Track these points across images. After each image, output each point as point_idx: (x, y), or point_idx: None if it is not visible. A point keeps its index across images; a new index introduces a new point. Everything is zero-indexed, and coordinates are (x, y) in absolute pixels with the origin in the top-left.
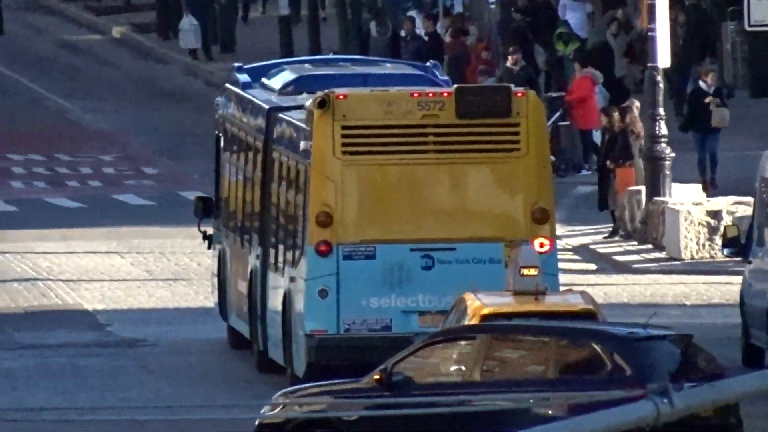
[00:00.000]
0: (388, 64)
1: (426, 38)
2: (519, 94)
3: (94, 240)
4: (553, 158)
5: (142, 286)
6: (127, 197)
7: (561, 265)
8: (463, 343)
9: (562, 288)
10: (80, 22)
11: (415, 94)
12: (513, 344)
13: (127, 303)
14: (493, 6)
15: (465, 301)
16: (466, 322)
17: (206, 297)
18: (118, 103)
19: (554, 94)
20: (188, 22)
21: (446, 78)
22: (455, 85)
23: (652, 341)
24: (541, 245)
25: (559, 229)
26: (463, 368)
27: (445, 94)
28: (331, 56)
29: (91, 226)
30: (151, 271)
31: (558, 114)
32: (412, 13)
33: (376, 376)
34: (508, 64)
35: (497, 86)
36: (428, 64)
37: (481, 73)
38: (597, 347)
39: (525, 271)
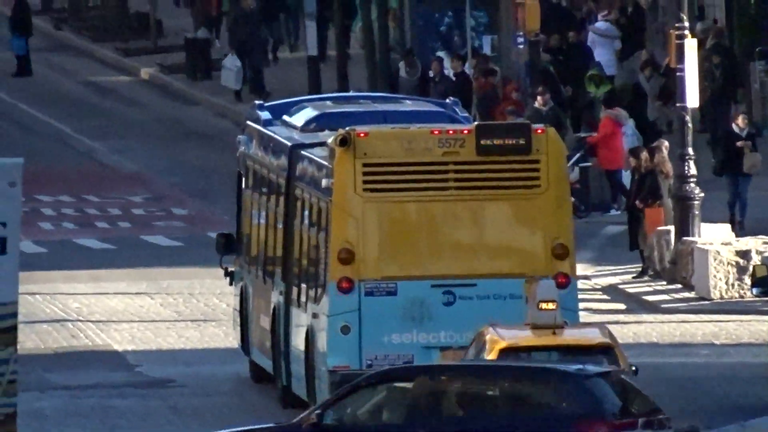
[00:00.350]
0: (407, 101)
1: (454, 78)
2: (539, 131)
3: (123, 281)
4: (573, 199)
5: (171, 327)
6: (157, 238)
7: (591, 305)
8: (402, 384)
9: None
10: (109, 63)
11: (436, 132)
12: (454, 385)
13: (157, 343)
14: (521, 46)
15: (484, 335)
16: (485, 356)
17: (235, 337)
18: (147, 143)
19: (583, 135)
20: (231, 62)
21: (466, 115)
22: (475, 123)
23: (600, 377)
24: (561, 280)
25: (588, 269)
26: (400, 410)
27: (465, 132)
28: (351, 93)
29: (120, 267)
30: (180, 311)
31: (578, 155)
32: (441, 53)
33: (311, 418)
34: (537, 104)
35: (517, 123)
36: (448, 101)
37: (509, 113)
38: (546, 385)
39: (543, 305)
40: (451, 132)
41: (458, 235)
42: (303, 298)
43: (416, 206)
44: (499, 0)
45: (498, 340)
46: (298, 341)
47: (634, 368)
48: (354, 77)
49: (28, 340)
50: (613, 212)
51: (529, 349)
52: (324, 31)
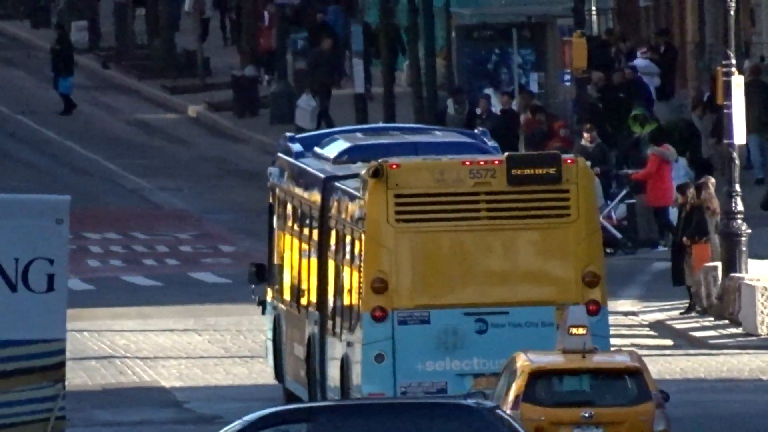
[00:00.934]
0: (438, 132)
1: (501, 115)
2: (568, 161)
3: (170, 318)
4: (620, 235)
5: (219, 364)
6: (204, 275)
7: (638, 341)
8: (296, 426)
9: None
10: (156, 101)
11: (467, 163)
12: (350, 423)
13: (205, 380)
14: (568, 84)
15: (515, 361)
16: (516, 381)
17: (269, 366)
18: (194, 181)
19: (630, 171)
20: (306, 102)
21: (495, 144)
22: (506, 153)
23: (497, 409)
24: (592, 308)
25: (636, 305)
26: None
27: (496, 162)
28: (380, 125)
29: (167, 304)
30: (227, 348)
31: (624, 191)
32: (488, 91)
33: None
34: (583, 141)
35: (547, 154)
36: (476, 131)
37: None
38: (445, 420)
39: (573, 330)
40: (482, 162)
41: (490, 263)
42: (337, 328)
43: (448, 236)
44: (546, 38)
45: (528, 364)
46: (334, 370)
47: (664, 394)
48: (401, 114)
49: (76, 377)
50: (660, 249)
51: (559, 373)
52: (370, 69)
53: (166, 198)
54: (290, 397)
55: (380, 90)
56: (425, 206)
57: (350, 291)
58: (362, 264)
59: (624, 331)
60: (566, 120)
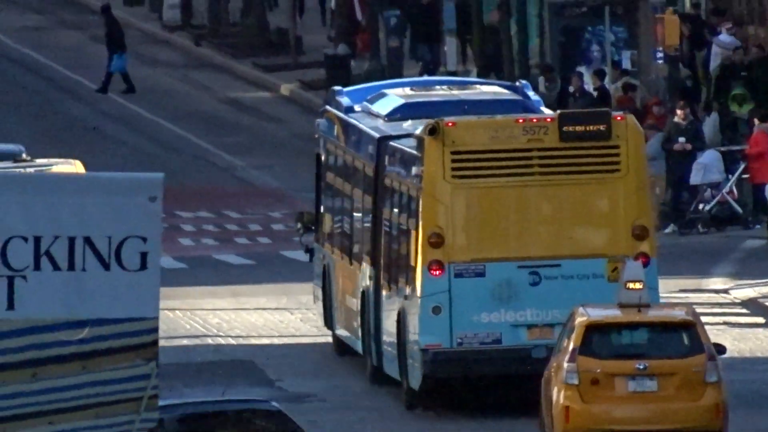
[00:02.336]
0: (483, 87)
1: (594, 93)
2: (618, 118)
3: (263, 296)
4: (740, 210)
5: (311, 342)
6: (296, 254)
7: (729, 318)
8: None
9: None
10: (248, 80)
11: (520, 120)
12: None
13: (298, 358)
14: (661, 62)
15: (574, 315)
16: (573, 335)
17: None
18: (287, 160)
19: (736, 147)
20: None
21: (538, 98)
22: (558, 111)
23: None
24: (642, 261)
25: (728, 283)
26: None
27: (549, 120)
28: (425, 78)
29: (260, 282)
30: (320, 326)
31: (741, 167)
32: (581, 68)
33: None
34: (676, 118)
35: (597, 111)
36: (518, 83)
37: (648, 128)
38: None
39: (630, 285)
40: (535, 120)
41: (542, 218)
42: (394, 282)
43: (502, 191)
44: (638, 15)
45: (585, 318)
46: (390, 322)
47: (719, 347)
48: None
49: (169, 356)
50: (757, 226)
51: (614, 326)
52: (463, 47)
53: (258, 176)
54: (340, 345)
55: (474, 69)
56: (480, 163)
57: (407, 245)
58: (419, 219)
59: (716, 309)
60: (660, 97)
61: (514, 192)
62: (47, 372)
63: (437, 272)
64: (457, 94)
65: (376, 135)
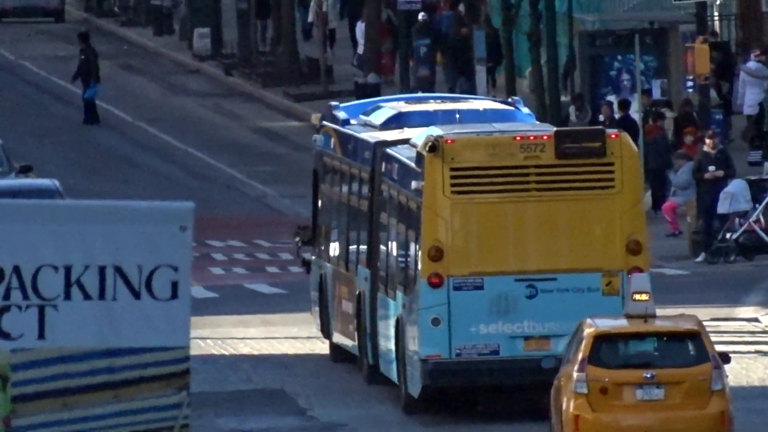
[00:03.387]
0: (476, 101)
1: (620, 122)
2: (613, 136)
3: (294, 325)
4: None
5: (342, 371)
6: None
7: (761, 347)
8: None
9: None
10: (279, 109)
11: (518, 138)
12: None
13: (328, 387)
14: (690, 90)
15: (583, 326)
16: (582, 345)
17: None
18: None
19: (765, 177)
20: None
21: (529, 113)
22: (554, 129)
23: None
24: (636, 274)
25: (759, 311)
26: None
27: (545, 137)
28: (420, 94)
29: (291, 311)
30: (353, 356)
31: None
32: (611, 97)
33: None
34: (706, 148)
35: (592, 129)
36: (510, 99)
37: (677, 157)
38: None
39: (637, 296)
40: (532, 137)
41: (539, 233)
42: (391, 288)
43: (500, 207)
44: (668, 44)
45: (593, 329)
46: (388, 328)
47: (724, 356)
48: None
49: (200, 385)
50: None
51: (622, 336)
52: (492, 75)
53: (289, 205)
54: (336, 351)
55: (502, 96)
56: (479, 179)
57: (405, 255)
58: (419, 233)
59: (747, 338)
60: (695, 126)
61: (511, 207)
62: (78, 401)
63: (437, 285)
64: (449, 105)
65: (372, 140)
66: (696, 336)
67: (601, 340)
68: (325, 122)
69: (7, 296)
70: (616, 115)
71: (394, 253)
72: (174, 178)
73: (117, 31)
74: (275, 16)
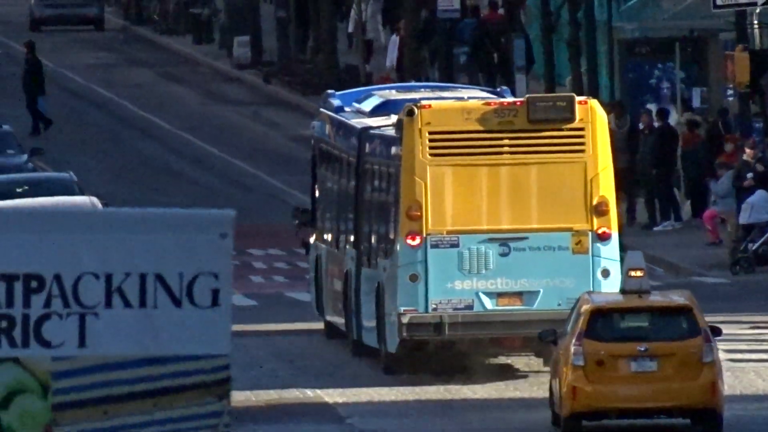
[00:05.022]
0: (464, 90)
1: (659, 132)
2: (582, 103)
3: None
4: None
5: (383, 379)
6: None
7: None
8: None
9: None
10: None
11: (492, 104)
12: None
13: (368, 395)
14: (731, 99)
15: (581, 301)
16: (579, 320)
17: (446, 389)
18: None
19: None
20: None
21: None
22: (526, 95)
23: None
24: (603, 233)
25: None
26: None
27: (518, 103)
28: (412, 83)
29: None
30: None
31: None
32: (650, 106)
33: None
34: (745, 156)
35: (563, 96)
36: (499, 89)
37: (719, 166)
38: None
39: (632, 273)
40: (505, 104)
41: (512, 194)
42: (374, 258)
43: (475, 169)
44: (708, 52)
45: (590, 304)
46: (370, 297)
47: (716, 329)
48: None
49: (240, 393)
50: None
51: (617, 311)
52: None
53: None
54: (329, 329)
55: None
56: (454, 142)
57: (387, 222)
58: (398, 195)
59: None
60: (735, 135)
61: (485, 170)
62: (118, 410)
63: (415, 242)
64: (436, 93)
65: (358, 127)
66: (688, 310)
67: (598, 314)
68: (321, 109)
69: (47, 304)
70: (656, 124)
71: (378, 225)
72: (214, 187)
73: (156, 40)
74: (315, 24)
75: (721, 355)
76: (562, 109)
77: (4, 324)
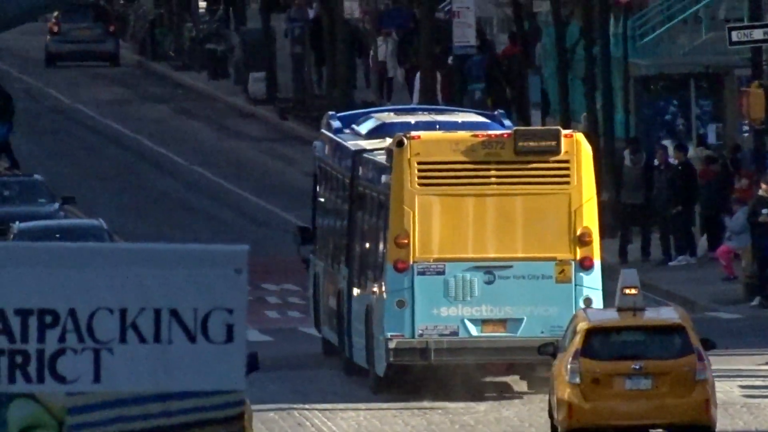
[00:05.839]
0: (461, 113)
1: (679, 167)
2: (568, 136)
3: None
4: None
5: (397, 415)
6: None
7: None
8: None
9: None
10: None
11: (479, 136)
12: None
13: (382, 431)
14: (746, 135)
15: (576, 318)
16: (575, 338)
17: (461, 426)
18: None
19: None
20: None
21: (510, 124)
22: (514, 128)
23: None
24: (587, 264)
25: None
26: None
27: (505, 136)
28: (411, 106)
29: None
30: (405, 399)
31: None
32: (666, 141)
33: None
34: (761, 191)
35: (549, 129)
36: (495, 113)
37: (734, 202)
38: None
39: (626, 291)
40: (493, 136)
41: (498, 223)
42: (364, 280)
43: (462, 199)
44: (723, 88)
45: (585, 322)
46: (360, 317)
47: (709, 342)
48: None
49: (255, 428)
50: None
51: (612, 329)
52: (544, 118)
53: None
54: (326, 345)
55: None
56: (443, 173)
57: (376, 247)
58: (387, 222)
59: None
60: (749, 170)
61: (472, 200)
62: None
63: (402, 270)
64: (431, 117)
65: (353, 149)
66: (681, 329)
67: (593, 333)
68: (323, 130)
69: (62, 339)
70: (671, 159)
71: (368, 248)
72: (228, 222)
73: (172, 75)
74: (330, 60)
75: (737, 392)
76: (548, 142)
77: (19, 359)
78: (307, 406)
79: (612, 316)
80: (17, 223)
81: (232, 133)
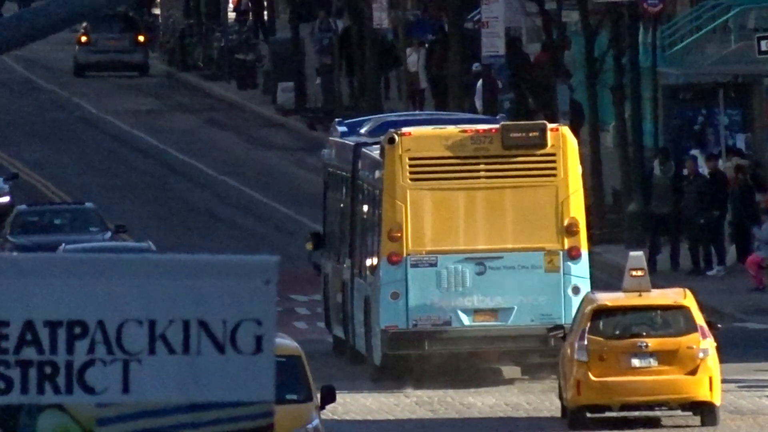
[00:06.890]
0: (462, 117)
1: (709, 177)
2: (554, 130)
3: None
4: None
5: (427, 426)
6: None
7: None
8: None
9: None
10: None
11: (468, 131)
12: None
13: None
14: None
15: (586, 300)
16: (583, 317)
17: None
18: None
19: None
20: None
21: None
22: (501, 123)
23: None
24: (574, 254)
25: None
26: None
27: (493, 131)
28: (415, 113)
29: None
30: (435, 410)
31: None
32: (695, 152)
33: None
34: None
35: (535, 123)
36: (497, 117)
37: (763, 212)
38: None
39: (633, 273)
40: (481, 131)
41: (488, 216)
42: (364, 272)
43: (452, 193)
44: (752, 97)
45: (592, 303)
46: (360, 306)
47: (713, 325)
48: (606, 175)
49: None
50: None
51: (618, 309)
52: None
53: None
54: (337, 342)
55: (586, 150)
56: (433, 167)
57: (373, 240)
58: (381, 217)
59: None
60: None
61: (462, 193)
62: None
63: (396, 262)
64: (428, 116)
65: (352, 143)
66: (685, 308)
67: (600, 312)
68: (330, 137)
69: (91, 350)
70: (701, 169)
71: (367, 241)
72: (257, 232)
73: (201, 85)
74: (360, 71)
75: (766, 402)
76: (535, 136)
77: (48, 370)
78: (336, 417)
79: (618, 297)
80: (63, 245)
81: (261, 143)
